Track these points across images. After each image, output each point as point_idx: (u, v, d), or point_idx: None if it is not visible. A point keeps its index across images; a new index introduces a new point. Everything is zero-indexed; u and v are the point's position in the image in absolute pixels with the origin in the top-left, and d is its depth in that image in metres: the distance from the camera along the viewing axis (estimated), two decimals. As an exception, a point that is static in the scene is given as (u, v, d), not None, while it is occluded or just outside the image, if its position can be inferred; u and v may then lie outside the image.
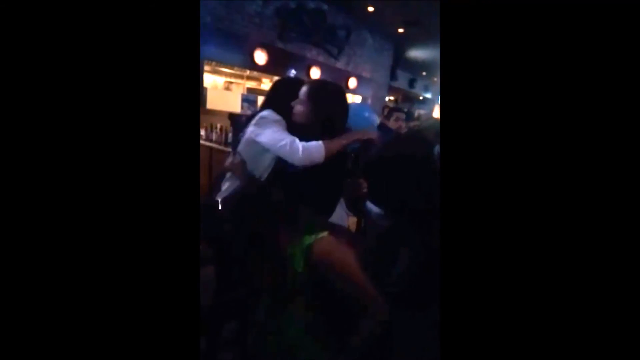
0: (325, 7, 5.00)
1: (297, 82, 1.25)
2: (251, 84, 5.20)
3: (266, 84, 5.26)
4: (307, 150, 1.07)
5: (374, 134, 1.20)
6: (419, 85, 8.83)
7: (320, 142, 1.08)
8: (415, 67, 7.86)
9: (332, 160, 1.10)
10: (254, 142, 1.16)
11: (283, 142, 1.09)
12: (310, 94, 1.15)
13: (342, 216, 1.23)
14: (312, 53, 5.17)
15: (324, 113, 1.13)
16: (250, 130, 1.18)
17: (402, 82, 7.71)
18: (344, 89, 1.23)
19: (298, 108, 1.16)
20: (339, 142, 1.11)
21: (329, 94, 1.17)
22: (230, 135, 2.58)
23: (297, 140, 1.09)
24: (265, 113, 1.19)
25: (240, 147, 1.22)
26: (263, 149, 1.16)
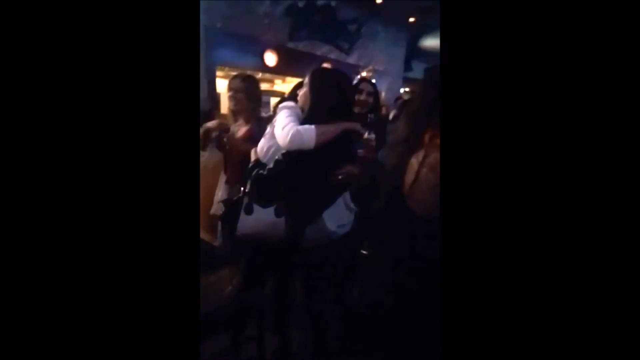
0: (334, 3, 4.94)
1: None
2: (265, 86, 5.22)
3: (279, 85, 5.25)
4: (297, 134, 1.03)
5: (360, 127, 1.18)
6: (435, 74, 8.55)
7: (312, 126, 1.04)
8: (430, 56, 7.64)
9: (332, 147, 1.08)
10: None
11: (281, 126, 1.07)
12: (310, 77, 1.15)
13: (342, 211, 1.23)
14: (322, 50, 5.12)
15: (324, 96, 1.13)
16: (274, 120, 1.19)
17: (417, 72, 7.51)
18: (345, 73, 1.21)
19: (301, 92, 1.18)
20: (330, 130, 1.06)
21: (328, 76, 1.17)
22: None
23: (294, 125, 1.05)
24: (283, 103, 1.19)
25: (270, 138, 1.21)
26: None
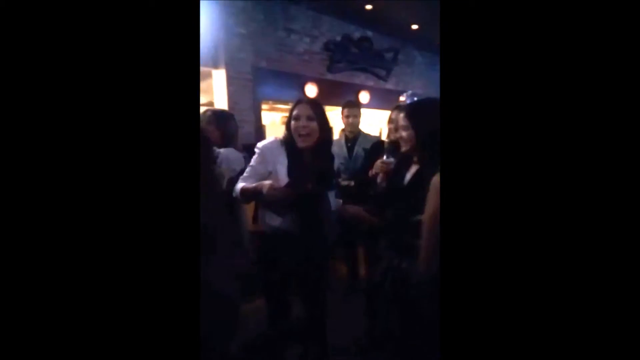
0: (370, 33, 5.16)
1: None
2: (306, 116, 5.51)
3: (319, 113, 5.50)
4: (235, 192, 1.37)
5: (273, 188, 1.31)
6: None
7: (239, 185, 1.36)
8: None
9: None
10: None
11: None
12: (409, 117, 1.16)
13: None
14: (360, 79, 5.31)
15: (426, 130, 1.11)
16: None
17: (458, 92, 7.40)
18: (437, 101, 1.18)
19: (404, 135, 1.17)
20: (248, 187, 1.32)
21: (426, 109, 1.16)
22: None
23: (240, 182, 1.37)
24: (260, 143, 1.43)
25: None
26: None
